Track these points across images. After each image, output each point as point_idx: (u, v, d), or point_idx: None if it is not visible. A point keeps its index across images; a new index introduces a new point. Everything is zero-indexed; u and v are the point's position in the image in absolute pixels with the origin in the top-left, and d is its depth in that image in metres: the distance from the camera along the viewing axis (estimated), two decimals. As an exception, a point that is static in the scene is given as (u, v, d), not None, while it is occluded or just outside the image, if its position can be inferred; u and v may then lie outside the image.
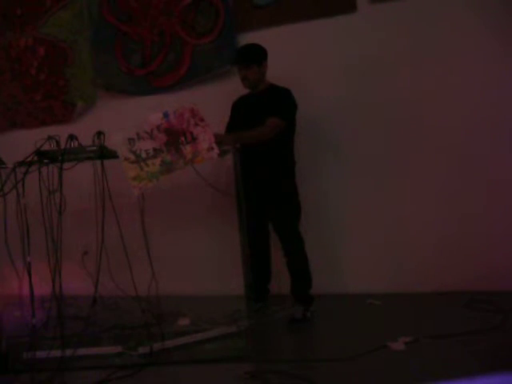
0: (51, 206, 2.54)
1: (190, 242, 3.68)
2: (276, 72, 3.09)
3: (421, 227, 3.29)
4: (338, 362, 2.23)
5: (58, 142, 2.51)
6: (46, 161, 2.52)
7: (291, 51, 3.39)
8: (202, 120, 2.47)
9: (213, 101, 3.31)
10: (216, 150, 2.46)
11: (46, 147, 2.48)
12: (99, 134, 2.56)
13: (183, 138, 2.46)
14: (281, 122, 2.88)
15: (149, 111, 2.49)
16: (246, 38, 3.43)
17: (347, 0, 3.34)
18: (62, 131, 2.58)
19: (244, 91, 3.14)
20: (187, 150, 2.46)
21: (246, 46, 3.07)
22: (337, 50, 3.39)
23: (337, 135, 3.42)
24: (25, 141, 2.61)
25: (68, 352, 2.45)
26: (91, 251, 3.03)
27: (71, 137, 2.51)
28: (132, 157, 2.45)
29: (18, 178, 2.41)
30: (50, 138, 2.49)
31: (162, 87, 3.78)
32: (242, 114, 3.10)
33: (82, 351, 2.50)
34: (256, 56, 2.98)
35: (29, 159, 2.45)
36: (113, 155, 2.52)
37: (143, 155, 2.45)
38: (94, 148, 2.51)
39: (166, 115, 2.47)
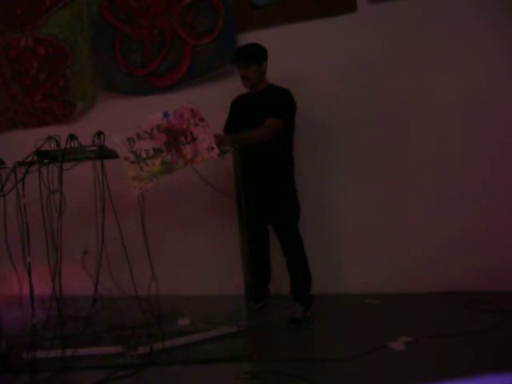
0: (51, 206, 2.54)
1: (190, 241, 3.68)
2: (275, 72, 3.09)
3: (420, 227, 3.28)
4: (338, 362, 2.24)
5: (58, 142, 2.52)
6: (46, 161, 2.53)
7: (291, 51, 3.39)
8: (201, 120, 2.46)
9: (213, 101, 3.31)
10: (216, 150, 2.45)
11: (45, 147, 2.48)
12: (99, 133, 2.56)
13: (183, 138, 2.46)
14: (279, 122, 2.87)
15: (149, 111, 2.49)
16: (246, 38, 3.42)
17: (347, 0, 3.34)
18: (62, 131, 2.59)
19: (244, 91, 3.14)
20: (187, 149, 2.45)
21: (246, 46, 3.08)
22: (337, 50, 3.38)
23: (336, 135, 3.42)
24: (25, 141, 2.62)
25: (68, 352, 2.46)
26: (91, 251, 3.04)
27: (71, 137, 2.51)
28: (132, 157, 2.44)
29: (18, 178, 2.42)
30: (50, 138, 2.50)
31: (162, 87, 3.78)
32: (241, 113, 3.10)
33: (82, 351, 2.50)
34: (256, 55, 2.97)
35: (29, 159, 2.45)
36: (113, 155, 2.52)
37: (143, 155, 2.45)
38: (94, 148, 2.52)
39: (165, 115, 2.47)
